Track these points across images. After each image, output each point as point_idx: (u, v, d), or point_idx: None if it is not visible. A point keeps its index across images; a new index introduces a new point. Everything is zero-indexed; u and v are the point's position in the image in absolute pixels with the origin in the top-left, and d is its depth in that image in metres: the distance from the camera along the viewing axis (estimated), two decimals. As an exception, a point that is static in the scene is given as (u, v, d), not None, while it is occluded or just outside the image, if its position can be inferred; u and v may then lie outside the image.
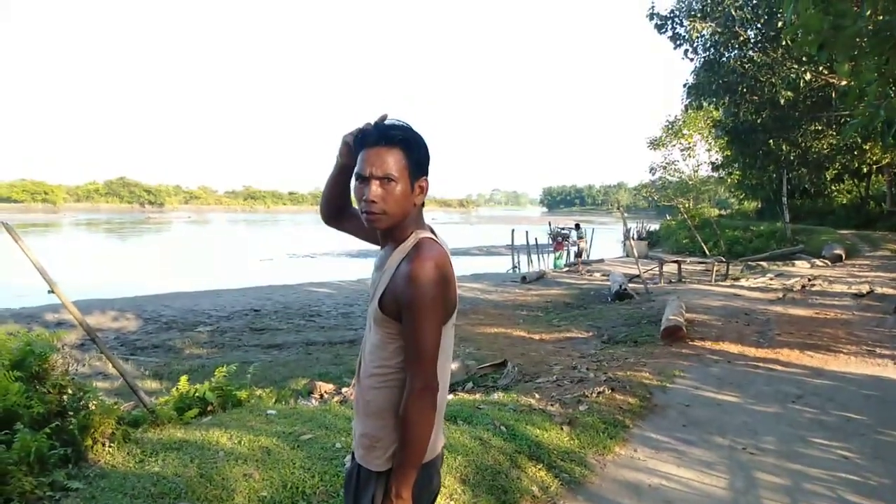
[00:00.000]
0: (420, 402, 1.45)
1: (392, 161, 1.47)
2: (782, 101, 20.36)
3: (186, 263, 27.02)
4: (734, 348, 7.44)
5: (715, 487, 3.61)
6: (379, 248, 1.68)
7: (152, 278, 19.60)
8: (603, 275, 17.49)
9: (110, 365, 4.79)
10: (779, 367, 6.58)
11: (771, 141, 25.35)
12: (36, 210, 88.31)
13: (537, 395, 5.13)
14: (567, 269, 21.05)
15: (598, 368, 6.34)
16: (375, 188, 1.47)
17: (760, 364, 6.74)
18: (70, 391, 3.46)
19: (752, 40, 20.28)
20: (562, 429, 4.25)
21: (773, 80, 19.70)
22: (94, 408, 3.40)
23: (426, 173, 1.55)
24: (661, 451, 4.14)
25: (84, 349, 8.77)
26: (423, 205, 1.59)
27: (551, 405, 4.80)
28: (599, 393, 5.18)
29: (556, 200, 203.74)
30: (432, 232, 1.59)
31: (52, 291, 3.95)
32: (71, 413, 3.30)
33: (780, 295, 11.52)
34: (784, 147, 25.83)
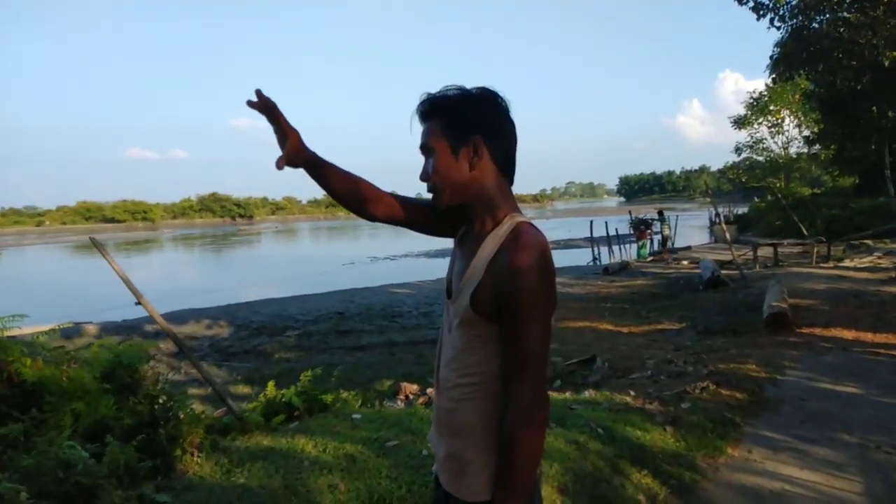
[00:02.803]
0: (530, 419, 1.18)
1: (426, 131, 1.31)
2: (886, 63, 18.63)
3: (275, 271, 27.96)
4: (848, 334, 6.81)
5: (849, 493, 3.18)
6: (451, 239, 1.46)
7: (244, 287, 20.43)
8: (691, 262, 16.68)
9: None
10: (905, 354, 5.92)
11: (874, 108, 23.37)
12: (137, 228, 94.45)
13: (632, 393, 4.81)
14: (652, 258, 20.22)
15: (698, 361, 5.91)
16: (424, 164, 1.33)
17: (881, 350, 6.11)
18: (161, 401, 3.47)
19: (846, 1, 18.68)
20: (665, 429, 3.92)
21: (875, 41, 18.06)
22: (182, 417, 3.39)
23: (472, 134, 1.26)
24: (779, 452, 3.73)
25: (180, 357, 9.10)
26: (509, 184, 1.32)
27: (650, 403, 4.46)
28: (702, 388, 4.79)
29: (634, 189, 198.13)
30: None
31: (139, 303, 4.02)
32: (161, 423, 3.30)
33: (893, 274, 10.57)
34: (889, 114, 23.74)
